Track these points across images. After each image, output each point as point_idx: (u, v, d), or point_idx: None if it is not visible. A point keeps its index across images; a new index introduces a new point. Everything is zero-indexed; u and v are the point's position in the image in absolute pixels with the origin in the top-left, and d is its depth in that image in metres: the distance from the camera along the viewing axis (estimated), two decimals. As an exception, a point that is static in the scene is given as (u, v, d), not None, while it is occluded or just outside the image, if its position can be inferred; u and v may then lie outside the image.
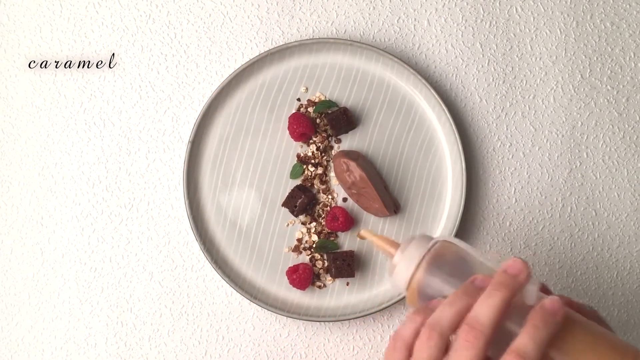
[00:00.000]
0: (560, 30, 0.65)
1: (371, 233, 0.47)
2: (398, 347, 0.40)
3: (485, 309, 0.38)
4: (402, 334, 0.41)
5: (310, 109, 0.63)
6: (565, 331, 0.38)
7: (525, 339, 0.37)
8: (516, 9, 0.65)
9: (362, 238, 0.48)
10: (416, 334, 0.40)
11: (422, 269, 0.43)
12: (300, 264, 0.62)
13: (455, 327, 0.39)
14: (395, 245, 0.45)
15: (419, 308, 0.41)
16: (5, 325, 0.65)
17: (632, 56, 0.66)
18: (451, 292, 0.40)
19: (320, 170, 0.63)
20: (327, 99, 0.63)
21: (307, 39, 0.62)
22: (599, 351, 0.38)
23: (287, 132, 0.63)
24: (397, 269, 0.44)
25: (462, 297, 0.39)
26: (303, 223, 0.63)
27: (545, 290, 0.43)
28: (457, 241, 0.43)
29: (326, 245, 0.62)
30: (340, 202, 0.63)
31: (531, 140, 0.65)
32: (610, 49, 0.65)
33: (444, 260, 0.43)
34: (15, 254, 0.65)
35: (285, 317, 0.64)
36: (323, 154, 0.63)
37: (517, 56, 0.65)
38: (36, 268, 0.65)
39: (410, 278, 0.43)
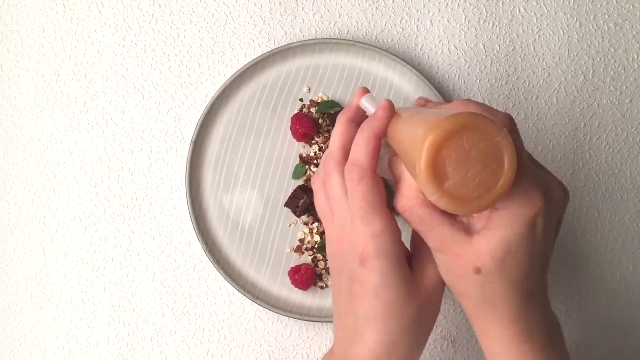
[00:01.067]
0: (563, 31, 0.65)
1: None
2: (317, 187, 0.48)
3: (332, 138, 0.47)
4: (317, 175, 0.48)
5: (313, 109, 0.63)
6: (395, 124, 0.43)
7: (353, 149, 0.44)
8: (519, 9, 0.65)
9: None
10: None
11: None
12: (302, 264, 0.62)
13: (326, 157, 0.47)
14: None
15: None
16: (8, 325, 0.65)
17: (636, 57, 0.65)
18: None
19: (322, 171, 0.63)
20: (330, 99, 0.63)
21: (310, 39, 0.62)
22: (409, 126, 0.40)
23: (290, 132, 0.63)
24: None
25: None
26: (305, 223, 0.63)
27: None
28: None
29: (328, 246, 0.62)
30: (342, 203, 0.63)
31: (534, 141, 0.65)
32: (613, 50, 0.65)
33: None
34: (17, 253, 0.65)
35: (287, 318, 0.64)
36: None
37: (520, 57, 0.65)
38: (38, 267, 0.65)
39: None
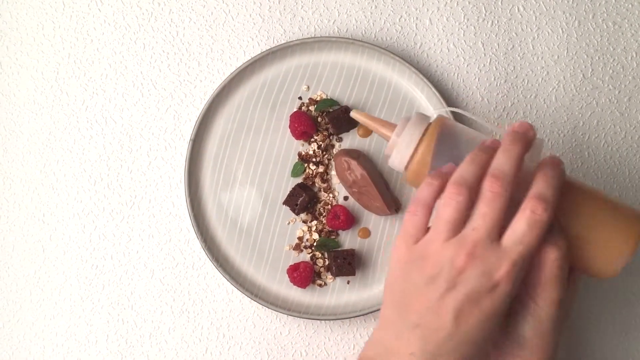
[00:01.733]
0: (562, 29, 0.65)
1: (364, 115, 0.49)
2: (419, 209, 0.42)
3: (505, 160, 0.40)
4: (422, 197, 0.42)
5: (312, 108, 0.63)
6: (573, 195, 0.43)
7: (542, 185, 0.40)
8: (518, 8, 0.65)
9: (356, 119, 0.49)
10: (436, 196, 0.41)
11: (425, 143, 0.44)
12: (301, 262, 0.62)
13: (480, 180, 0.40)
14: (391, 125, 0.46)
15: (434, 173, 0.42)
16: (7, 322, 0.65)
17: (634, 56, 0.65)
18: (461, 158, 0.42)
19: (321, 169, 0.63)
20: (329, 98, 0.63)
21: (309, 38, 0.62)
22: (605, 211, 0.42)
23: (289, 130, 0.63)
24: (398, 147, 0.45)
25: (480, 154, 0.41)
26: (304, 221, 0.63)
27: None
28: (451, 116, 0.46)
29: (327, 244, 0.62)
30: (341, 201, 0.63)
31: (533, 140, 0.65)
32: (612, 49, 0.65)
33: (447, 132, 0.44)
34: (16, 251, 0.65)
35: (285, 315, 0.64)
36: (324, 153, 0.63)
37: (518, 55, 0.65)
38: (37, 265, 0.65)
39: (413, 154, 0.44)
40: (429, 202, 0.42)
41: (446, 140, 0.44)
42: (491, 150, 0.42)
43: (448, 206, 0.40)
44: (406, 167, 0.45)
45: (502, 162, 0.40)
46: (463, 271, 0.39)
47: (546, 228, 0.39)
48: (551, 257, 0.41)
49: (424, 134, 0.44)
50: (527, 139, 0.42)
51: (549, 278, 0.41)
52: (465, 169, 0.41)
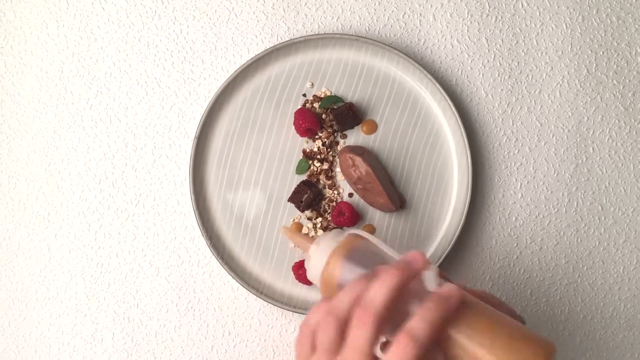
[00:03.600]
0: (566, 24, 0.65)
1: (290, 230, 0.51)
2: (305, 335, 0.42)
3: (377, 292, 0.39)
4: (307, 322, 0.42)
5: (316, 105, 0.63)
6: (466, 315, 0.40)
7: (416, 320, 0.38)
8: (522, 3, 0.65)
9: (284, 234, 0.51)
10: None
11: (333, 261, 0.45)
12: (306, 259, 0.62)
13: (350, 310, 0.40)
14: (311, 240, 0.48)
15: (324, 298, 0.43)
16: (13, 321, 0.65)
17: (639, 50, 0.65)
18: None
19: (326, 166, 0.63)
20: (333, 95, 0.63)
21: (313, 35, 0.62)
22: (497, 332, 0.40)
23: (293, 127, 0.63)
24: (311, 261, 0.46)
25: (359, 284, 0.41)
26: (309, 218, 0.63)
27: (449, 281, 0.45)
28: (367, 235, 0.45)
29: (332, 241, 0.62)
30: (346, 197, 0.63)
31: (537, 135, 0.65)
32: (616, 44, 0.65)
33: (354, 253, 0.45)
34: (22, 249, 0.65)
35: (291, 313, 0.64)
36: (329, 150, 0.63)
37: (523, 51, 0.65)
38: (43, 264, 0.65)
39: (323, 270, 0.45)
40: (313, 327, 0.42)
41: (354, 257, 0.45)
42: (374, 279, 0.41)
43: (321, 336, 0.41)
44: (320, 280, 0.46)
45: (374, 293, 0.39)
46: None
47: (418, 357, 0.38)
48: None
49: (334, 251, 0.46)
50: (409, 269, 0.41)
51: None
52: (339, 298, 0.41)
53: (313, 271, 0.46)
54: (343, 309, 0.40)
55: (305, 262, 0.48)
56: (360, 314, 0.39)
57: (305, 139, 0.63)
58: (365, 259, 0.45)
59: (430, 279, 0.42)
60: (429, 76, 0.62)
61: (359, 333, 0.39)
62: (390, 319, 0.39)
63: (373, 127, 0.63)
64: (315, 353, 0.41)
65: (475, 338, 0.39)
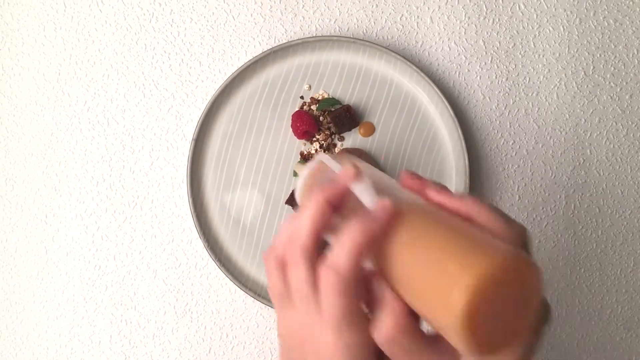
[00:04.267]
0: (563, 27, 0.65)
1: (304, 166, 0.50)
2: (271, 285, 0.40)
3: (301, 222, 0.36)
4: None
5: (314, 107, 0.63)
6: (398, 230, 0.33)
7: (335, 251, 0.35)
8: (519, 6, 0.65)
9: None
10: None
11: (300, 192, 0.46)
12: (304, 261, 0.62)
13: (284, 249, 0.38)
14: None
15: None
16: (10, 323, 0.65)
17: (636, 53, 0.65)
18: None
19: (323, 168, 0.63)
20: (330, 97, 0.63)
21: (310, 37, 0.62)
22: (427, 246, 0.31)
23: (290, 129, 0.63)
24: (297, 191, 0.48)
25: (293, 217, 0.38)
26: (306, 221, 0.63)
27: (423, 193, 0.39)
28: (327, 160, 0.43)
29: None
30: (343, 200, 0.63)
31: (534, 138, 0.65)
32: (613, 46, 0.65)
33: (314, 180, 0.45)
34: (19, 252, 0.65)
35: (289, 315, 0.64)
36: (326, 152, 0.63)
37: (520, 53, 0.65)
38: (40, 266, 0.65)
39: (300, 201, 0.47)
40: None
41: (315, 184, 0.44)
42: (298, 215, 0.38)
43: (269, 281, 0.39)
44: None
45: (298, 224, 0.36)
46: None
47: (348, 287, 0.34)
48: None
49: (303, 180, 0.46)
50: (333, 189, 0.37)
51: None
52: (277, 238, 0.38)
53: (297, 196, 0.48)
54: (279, 250, 0.38)
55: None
56: (289, 252, 0.37)
57: (303, 141, 0.63)
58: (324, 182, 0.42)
59: (362, 194, 0.36)
60: (427, 78, 0.62)
61: (293, 271, 0.36)
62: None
63: (370, 130, 0.63)
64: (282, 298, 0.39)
65: (399, 257, 0.33)
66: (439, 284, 0.29)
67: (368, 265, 0.36)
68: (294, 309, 0.38)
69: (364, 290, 0.36)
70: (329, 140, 0.63)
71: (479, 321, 0.28)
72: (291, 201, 0.62)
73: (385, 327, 0.34)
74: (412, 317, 0.34)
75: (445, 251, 0.30)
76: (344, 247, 0.34)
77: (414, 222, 0.33)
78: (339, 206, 0.37)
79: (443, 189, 0.38)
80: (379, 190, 0.36)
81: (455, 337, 0.29)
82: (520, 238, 0.34)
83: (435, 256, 0.30)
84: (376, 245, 0.35)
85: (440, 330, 0.31)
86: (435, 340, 0.35)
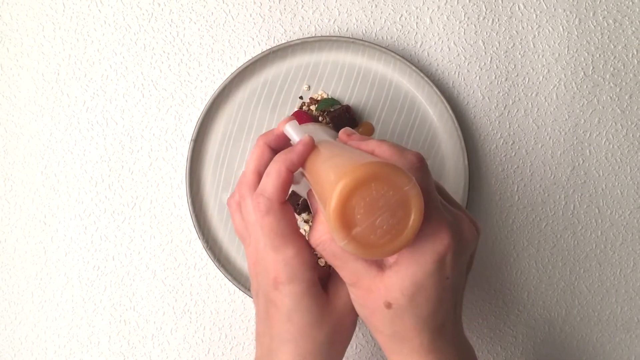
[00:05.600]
0: (562, 27, 0.65)
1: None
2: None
3: (247, 164, 0.46)
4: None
5: (313, 107, 0.63)
6: (311, 157, 0.43)
7: (263, 179, 0.44)
8: (518, 6, 0.65)
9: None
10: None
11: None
12: (303, 262, 0.62)
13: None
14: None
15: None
16: (9, 324, 0.65)
17: (635, 53, 0.65)
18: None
19: (322, 168, 0.63)
20: (330, 97, 0.63)
21: (310, 37, 0.62)
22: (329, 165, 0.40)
23: (290, 130, 0.63)
24: None
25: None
26: (306, 221, 0.63)
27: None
28: (305, 125, 0.53)
29: (329, 243, 0.62)
30: (342, 200, 0.63)
31: (534, 138, 0.65)
32: (613, 46, 0.65)
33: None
34: (18, 252, 0.65)
35: (288, 315, 0.64)
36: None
37: (519, 54, 0.65)
38: (39, 267, 0.65)
39: None
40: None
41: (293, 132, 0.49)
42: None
43: (232, 219, 0.48)
44: None
45: (246, 166, 0.46)
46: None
47: (273, 207, 0.42)
48: None
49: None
50: (269, 133, 0.48)
51: None
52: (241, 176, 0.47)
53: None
54: (236, 194, 0.46)
55: None
56: (240, 192, 0.45)
57: (302, 141, 0.63)
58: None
59: (291, 133, 0.46)
60: (426, 79, 0.62)
61: (243, 205, 0.44)
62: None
63: (370, 130, 0.63)
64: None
65: (315, 173, 0.41)
66: (328, 188, 0.36)
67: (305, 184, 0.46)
68: (250, 242, 0.45)
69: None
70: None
71: (349, 214, 0.35)
72: (290, 201, 0.62)
73: (317, 233, 0.42)
74: None
75: (334, 164, 0.39)
76: (268, 175, 0.43)
77: (324, 151, 0.43)
78: (279, 148, 0.46)
79: (353, 134, 0.47)
80: (315, 136, 0.46)
81: (329, 225, 0.36)
82: (410, 163, 0.41)
83: (329, 169, 0.39)
84: (307, 168, 0.43)
85: (326, 218, 0.38)
86: None
